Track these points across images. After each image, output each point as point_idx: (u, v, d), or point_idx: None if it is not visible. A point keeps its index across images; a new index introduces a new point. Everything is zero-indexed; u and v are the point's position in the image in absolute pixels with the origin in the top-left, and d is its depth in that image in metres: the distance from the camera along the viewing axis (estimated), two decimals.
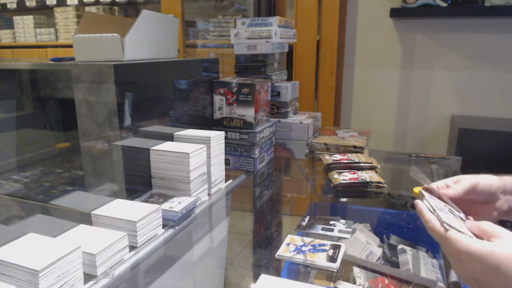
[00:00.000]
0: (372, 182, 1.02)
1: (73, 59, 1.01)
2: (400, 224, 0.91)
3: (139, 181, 0.90)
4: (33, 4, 3.36)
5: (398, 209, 0.99)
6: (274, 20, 1.29)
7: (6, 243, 0.56)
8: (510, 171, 0.83)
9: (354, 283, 0.65)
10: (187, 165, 0.85)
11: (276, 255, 0.70)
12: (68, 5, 3.22)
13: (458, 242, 0.49)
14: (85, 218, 0.72)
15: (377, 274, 0.68)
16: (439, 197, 0.63)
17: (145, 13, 0.98)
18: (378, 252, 0.77)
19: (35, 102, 1.15)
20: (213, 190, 0.97)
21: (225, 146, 1.03)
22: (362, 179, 1.02)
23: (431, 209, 0.55)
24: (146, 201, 0.83)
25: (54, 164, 1.19)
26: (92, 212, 0.72)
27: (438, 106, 2.06)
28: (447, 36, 1.98)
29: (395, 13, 1.96)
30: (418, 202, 0.58)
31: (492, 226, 0.50)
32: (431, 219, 0.54)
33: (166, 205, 0.81)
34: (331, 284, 0.65)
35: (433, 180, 0.65)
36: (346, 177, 1.04)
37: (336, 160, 1.14)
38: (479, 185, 0.64)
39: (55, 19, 3.27)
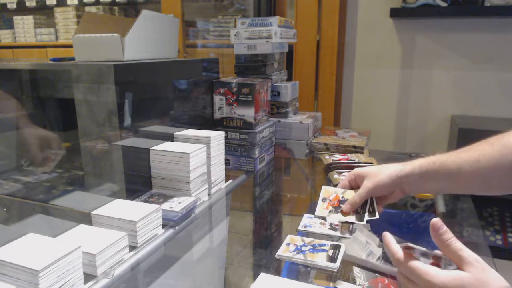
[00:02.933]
0: None
1: (73, 59, 1.01)
2: (400, 224, 0.91)
3: (139, 181, 0.90)
4: (33, 4, 3.36)
5: (398, 209, 0.99)
6: (274, 20, 1.29)
7: (6, 243, 0.56)
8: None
9: (354, 283, 0.65)
10: (187, 165, 0.85)
11: (276, 255, 0.70)
12: (68, 5, 3.22)
13: (428, 274, 0.50)
14: (85, 218, 0.72)
15: (377, 274, 0.68)
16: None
17: (145, 13, 0.98)
18: (378, 252, 0.77)
19: (35, 102, 1.15)
20: (213, 190, 0.97)
21: (225, 146, 1.03)
22: None
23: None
24: (146, 201, 0.83)
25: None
26: (92, 212, 0.72)
27: (438, 106, 2.06)
28: (447, 36, 1.98)
29: (395, 13, 1.96)
30: (385, 233, 0.58)
31: (467, 253, 0.51)
32: (398, 251, 0.54)
33: (166, 205, 0.81)
34: (331, 284, 0.65)
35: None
36: None
37: (336, 160, 1.14)
38: (377, 188, 0.75)
39: (55, 19, 3.27)
